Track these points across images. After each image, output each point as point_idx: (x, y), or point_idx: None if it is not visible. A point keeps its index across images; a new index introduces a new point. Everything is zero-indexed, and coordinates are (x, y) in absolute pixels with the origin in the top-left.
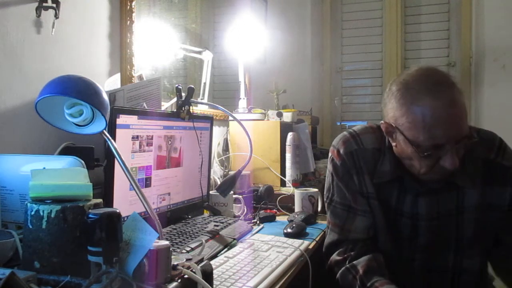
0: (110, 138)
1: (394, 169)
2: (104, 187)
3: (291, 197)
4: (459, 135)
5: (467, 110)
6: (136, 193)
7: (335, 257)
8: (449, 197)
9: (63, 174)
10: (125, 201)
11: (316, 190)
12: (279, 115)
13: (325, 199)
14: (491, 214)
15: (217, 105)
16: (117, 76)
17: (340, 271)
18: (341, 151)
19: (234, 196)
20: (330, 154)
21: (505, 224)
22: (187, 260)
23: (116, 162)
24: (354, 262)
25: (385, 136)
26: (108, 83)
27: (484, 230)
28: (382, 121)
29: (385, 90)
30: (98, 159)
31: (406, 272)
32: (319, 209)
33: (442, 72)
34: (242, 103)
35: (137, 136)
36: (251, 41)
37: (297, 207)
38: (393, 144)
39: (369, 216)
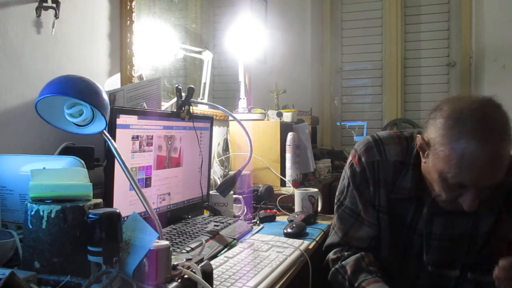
0: (110, 138)
1: (415, 188)
2: (104, 187)
3: (291, 197)
4: (488, 183)
5: (508, 162)
6: (136, 193)
7: (331, 255)
8: (465, 220)
9: (63, 174)
10: (125, 201)
11: (316, 190)
12: (279, 115)
13: (335, 201)
14: (497, 241)
15: (217, 105)
16: (117, 76)
17: (331, 271)
18: (363, 159)
19: (234, 196)
20: (350, 158)
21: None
22: (187, 260)
23: (116, 162)
24: (343, 262)
25: (410, 149)
26: (108, 83)
27: (488, 256)
28: (419, 135)
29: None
30: (98, 159)
31: None
32: (319, 209)
33: (500, 115)
34: (242, 103)
35: (137, 136)
36: (251, 41)
37: (297, 207)
38: (423, 160)
39: (375, 228)
